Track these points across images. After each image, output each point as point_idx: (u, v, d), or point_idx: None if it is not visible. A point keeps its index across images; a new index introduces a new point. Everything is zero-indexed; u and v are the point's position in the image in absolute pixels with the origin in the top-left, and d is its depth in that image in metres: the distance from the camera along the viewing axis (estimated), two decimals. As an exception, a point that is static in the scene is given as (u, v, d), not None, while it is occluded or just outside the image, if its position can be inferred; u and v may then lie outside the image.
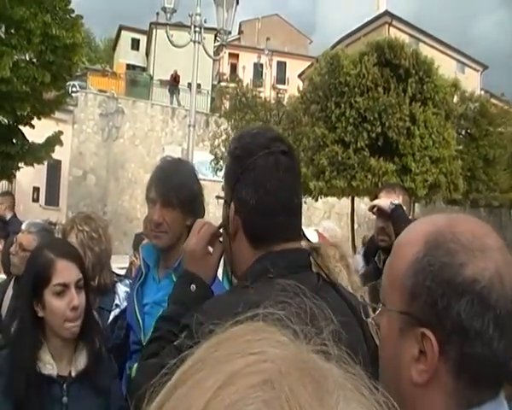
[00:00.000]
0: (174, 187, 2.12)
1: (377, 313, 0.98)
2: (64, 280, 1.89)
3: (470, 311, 0.81)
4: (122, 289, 2.70)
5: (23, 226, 3.31)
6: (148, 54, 38.00)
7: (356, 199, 17.33)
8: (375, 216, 3.20)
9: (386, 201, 3.01)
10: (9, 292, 3.18)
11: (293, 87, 25.32)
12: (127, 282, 2.76)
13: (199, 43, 9.58)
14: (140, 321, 2.17)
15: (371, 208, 3.16)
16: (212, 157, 20.80)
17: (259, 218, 1.28)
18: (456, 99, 19.10)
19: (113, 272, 2.90)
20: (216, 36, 21.30)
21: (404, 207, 2.99)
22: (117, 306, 2.63)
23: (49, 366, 1.88)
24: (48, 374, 1.87)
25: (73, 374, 1.91)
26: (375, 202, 3.14)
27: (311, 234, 2.25)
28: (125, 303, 2.57)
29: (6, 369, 1.85)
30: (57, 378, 1.88)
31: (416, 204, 17.34)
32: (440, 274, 0.84)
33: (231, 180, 1.30)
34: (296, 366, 0.40)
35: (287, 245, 1.29)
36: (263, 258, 1.27)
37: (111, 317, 2.58)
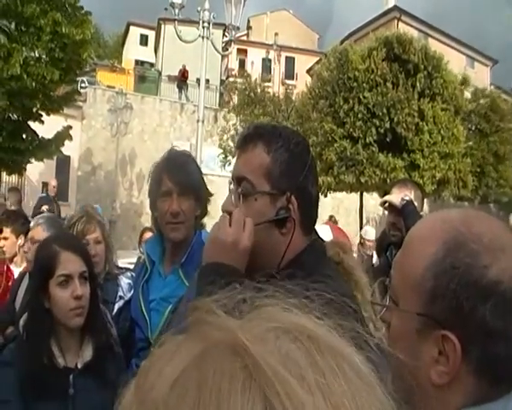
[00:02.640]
0: (188, 175, 2.14)
1: (385, 310, 0.95)
2: (67, 271, 1.92)
3: (495, 312, 0.80)
4: (125, 281, 2.73)
5: (32, 223, 3.38)
6: (156, 49, 38.02)
7: (364, 194, 17.28)
8: (386, 211, 3.22)
9: (397, 196, 3.02)
10: (24, 285, 3.21)
11: (302, 83, 25.26)
12: (129, 274, 2.80)
13: (207, 38, 9.58)
14: (147, 318, 2.16)
15: (383, 204, 3.18)
16: (221, 152, 20.81)
17: (315, 207, 1.37)
18: (467, 95, 18.93)
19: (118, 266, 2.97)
20: (224, 31, 21.26)
21: (416, 203, 3.00)
22: (121, 298, 2.65)
23: (55, 357, 1.90)
24: (54, 366, 1.89)
25: (80, 366, 1.93)
26: (387, 197, 3.16)
27: (324, 229, 2.25)
28: (128, 294, 2.59)
29: (14, 360, 1.88)
30: (63, 370, 1.90)
31: (425, 200, 17.24)
32: (466, 277, 0.82)
33: (294, 176, 1.30)
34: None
35: None
36: (309, 251, 1.34)
37: (115, 309, 2.60)
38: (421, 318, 0.85)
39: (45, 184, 21.50)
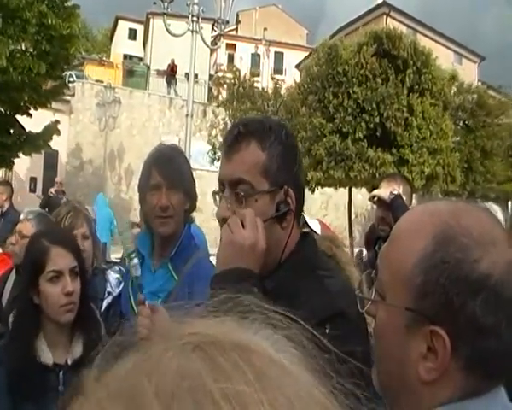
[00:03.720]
0: (178, 169, 2.14)
1: (371, 303, 0.94)
2: (58, 267, 1.90)
3: (485, 307, 0.79)
4: (113, 276, 2.70)
5: (21, 216, 3.34)
6: (145, 44, 37.79)
7: (353, 190, 17.32)
8: (374, 206, 3.23)
9: (386, 191, 3.03)
10: (11, 281, 3.18)
11: (291, 78, 25.25)
12: (117, 268, 2.78)
13: (196, 32, 9.53)
14: (136, 313, 2.16)
15: (371, 198, 3.18)
16: (210, 147, 20.75)
17: (303, 198, 1.36)
18: (454, 90, 19.05)
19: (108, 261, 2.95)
20: (213, 25, 21.20)
21: (405, 197, 3.01)
22: (109, 293, 2.62)
23: (45, 354, 1.87)
24: (44, 362, 1.86)
25: (70, 362, 1.91)
26: (375, 191, 3.17)
27: (314, 224, 2.28)
28: (117, 290, 2.56)
29: (2, 358, 1.85)
30: (53, 367, 1.88)
31: (413, 195, 17.31)
32: (456, 272, 0.81)
33: (290, 168, 1.30)
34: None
35: None
36: (306, 242, 1.35)
37: (104, 305, 2.57)
38: (410, 313, 0.84)
39: (33, 179, 21.37)
